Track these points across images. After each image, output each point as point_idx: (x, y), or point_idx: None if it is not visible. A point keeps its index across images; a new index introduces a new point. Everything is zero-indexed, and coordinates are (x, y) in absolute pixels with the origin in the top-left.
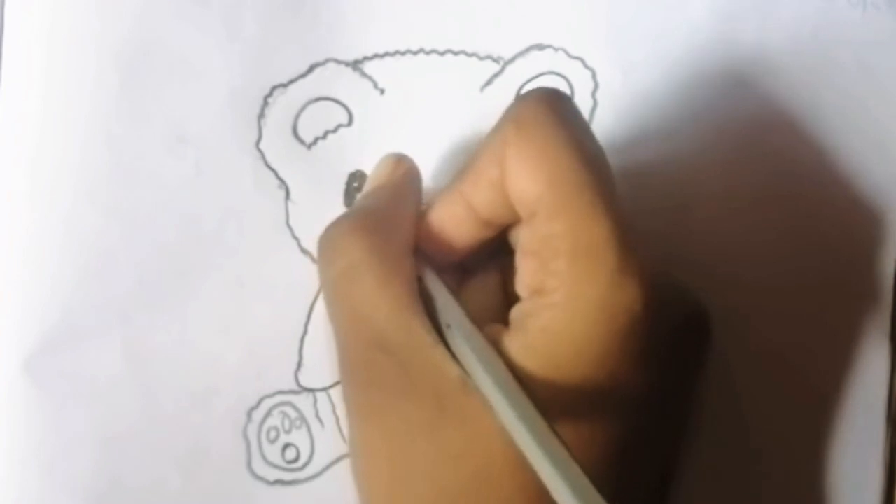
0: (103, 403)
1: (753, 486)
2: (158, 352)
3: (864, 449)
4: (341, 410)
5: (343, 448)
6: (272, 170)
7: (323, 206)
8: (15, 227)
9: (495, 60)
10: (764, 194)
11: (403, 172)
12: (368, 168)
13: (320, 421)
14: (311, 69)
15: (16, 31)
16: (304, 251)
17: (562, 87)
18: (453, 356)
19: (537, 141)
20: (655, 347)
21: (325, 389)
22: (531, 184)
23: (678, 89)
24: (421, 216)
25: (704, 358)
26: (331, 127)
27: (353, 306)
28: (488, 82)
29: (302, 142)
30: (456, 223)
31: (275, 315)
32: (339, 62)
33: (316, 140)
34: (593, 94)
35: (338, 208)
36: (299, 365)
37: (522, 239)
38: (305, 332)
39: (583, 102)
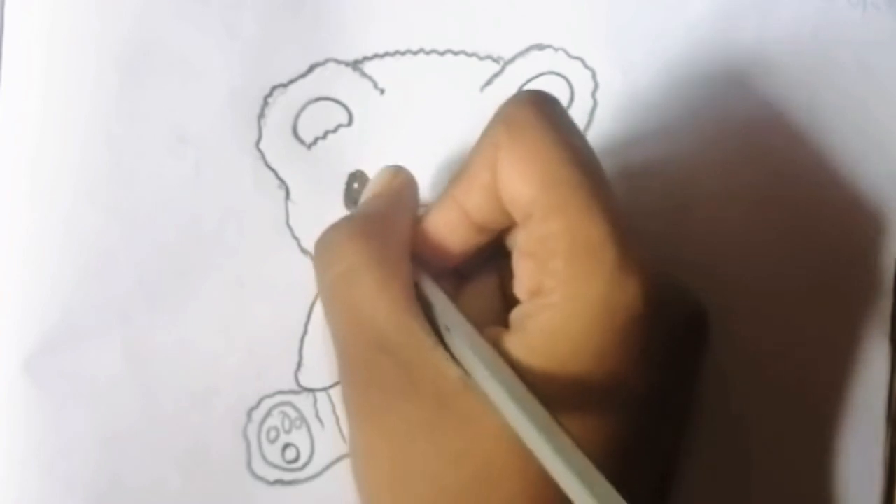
0: (103, 403)
1: (753, 487)
2: (158, 352)
3: (864, 449)
4: (341, 410)
5: (343, 448)
6: (272, 170)
7: (323, 206)
8: (15, 227)
9: (495, 60)
10: (763, 194)
11: (400, 181)
12: (368, 168)
13: (320, 421)
14: (311, 69)
15: (16, 31)
16: (304, 251)
17: (562, 87)
18: (453, 358)
19: (528, 143)
20: (655, 346)
21: (325, 389)
22: (524, 186)
23: (678, 89)
24: (416, 222)
25: (703, 357)
26: (331, 127)
27: (353, 308)
28: (488, 82)
29: (302, 142)
30: (450, 229)
31: (275, 315)
32: (339, 62)
33: (316, 140)
34: (593, 94)
35: (338, 208)
36: (299, 365)
37: (519, 241)
38: (305, 332)
39: (583, 102)
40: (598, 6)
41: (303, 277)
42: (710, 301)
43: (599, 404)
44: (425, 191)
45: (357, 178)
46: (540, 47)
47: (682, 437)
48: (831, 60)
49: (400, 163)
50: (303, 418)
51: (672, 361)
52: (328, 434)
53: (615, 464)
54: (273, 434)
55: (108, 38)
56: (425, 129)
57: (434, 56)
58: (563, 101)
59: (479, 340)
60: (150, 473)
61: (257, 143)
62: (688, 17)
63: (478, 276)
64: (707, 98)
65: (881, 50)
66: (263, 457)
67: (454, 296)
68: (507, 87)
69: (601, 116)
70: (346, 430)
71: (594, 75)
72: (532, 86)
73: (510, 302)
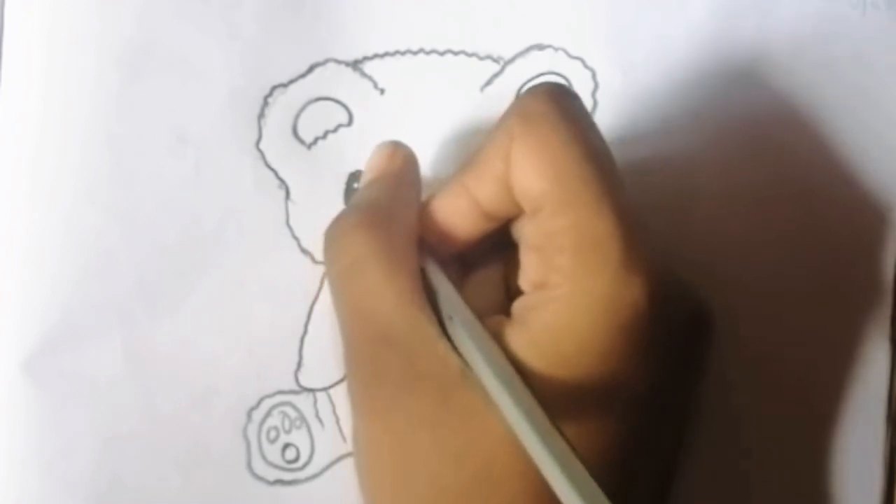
0: (103, 403)
1: (753, 487)
2: (158, 352)
3: (864, 449)
4: (341, 410)
5: (343, 448)
6: (272, 170)
7: (323, 206)
8: (15, 227)
9: (495, 60)
10: (763, 194)
11: (402, 161)
12: None
13: (320, 421)
14: (311, 69)
15: (16, 31)
16: (304, 251)
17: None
18: (455, 348)
19: (543, 136)
20: (657, 344)
21: (325, 389)
22: (536, 179)
23: (678, 89)
24: (423, 208)
25: (706, 357)
26: (331, 127)
27: (359, 300)
28: (488, 82)
29: (302, 142)
30: (459, 216)
31: (275, 315)
32: (339, 62)
33: (316, 140)
34: (593, 94)
35: (338, 208)
36: (299, 365)
37: (526, 233)
38: (305, 332)
39: None
40: (598, 6)
41: (303, 277)
42: (709, 300)
43: (600, 401)
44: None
45: (357, 178)
46: (540, 47)
47: (683, 437)
48: (831, 60)
49: None
50: (303, 418)
51: (674, 360)
52: (328, 434)
53: (616, 460)
54: (273, 434)
55: (108, 38)
56: (425, 129)
57: (434, 56)
58: None
59: (480, 332)
60: (151, 473)
61: (257, 142)
62: (688, 17)
63: (482, 264)
64: (707, 98)
65: (881, 50)
66: (263, 457)
67: (458, 283)
68: (507, 87)
69: (601, 116)
70: (346, 430)
71: (594, 75)
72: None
73: (513, 292)
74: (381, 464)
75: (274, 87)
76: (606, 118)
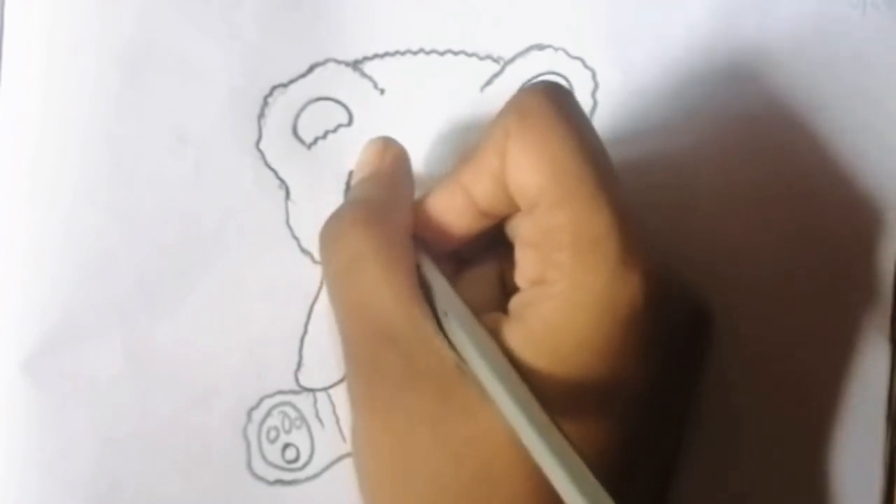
0: (103, 403)
1: (752, 486)
2: (158, 352)
3: (864, 449)
4: (341, 410)
5: (343, 448)
6: (272, 170)
7: (323, 206)
8: (15, 227)
9: (495, 60)
10: (763, 194)
11: (393, 158)
12: None
13: (320, 421)
14: (311, 69)
15: (16, 31)
16: (304, 251)
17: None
18: (451, 344)
19: (540, 133)
20: (656, 342)
21: (325, 389)
22: (533, 175)
23: (678, 89)
24: (419, 204)
25: (706, 356)
26: (331, 127)
27: (357, 298)
28: (488, 82)
29: (302, 142)
30: (455, 213)
31: (275, 315)
32: (339, 62)
33: (316, 140)
34: (593, 94)
35: None
36: (299, 365)
37: (523, 230)
38: (305, 332)
39: (583, 102)
40: (598, 6)
41: (303, 277)
42: (709, 299)
43: (598, 398)
44: (420, 188)
45: None
46: (540, 47)
47: (683, 436)
48: (831, 60)
49: None
50: (303, 418)
51: (674, 358)
52: (328, 434)
53: (612, 460)
54: (273, 434)
55: (108, 38)
56: (425, 129)
57: (434, 56)
58: None
59: (475, 327)
60: (150, 473)
61: (257, 142)
62: (688, 17)
63: (477, 261)
64: (707, 97)
65: (881, 50)
66: (263, 457)
67: (453, 281)
68: (507, 87)
69: (601, 116)
70: (346, 431)
71: (594, 75)
72: None
73: (509, 289)
74: (380, 462)
75: (274, 87)
76: (606, 118)
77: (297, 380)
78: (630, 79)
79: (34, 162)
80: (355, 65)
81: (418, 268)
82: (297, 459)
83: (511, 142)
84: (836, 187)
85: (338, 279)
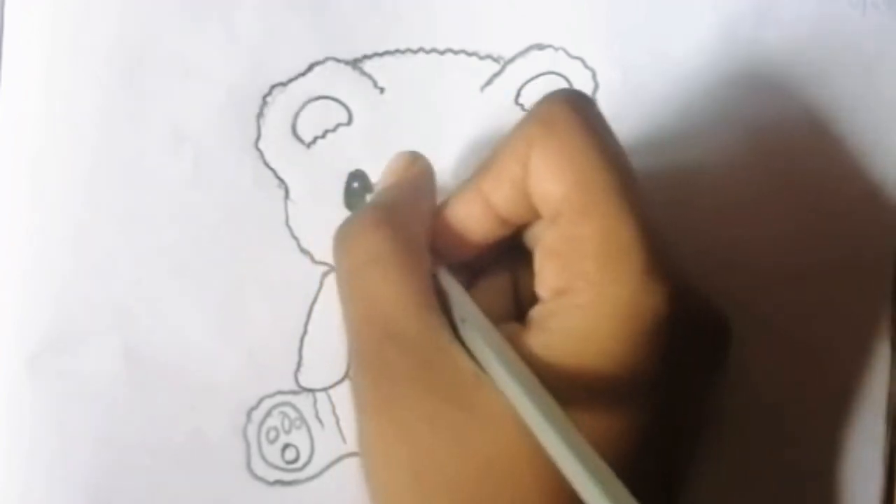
0: (103, 403)
1: (753, 486)
2: (158, 352)
3: (864, 449)
4: (341, 411)
5: (343, 448)
6: (271, 169)
7: (322, 206)
8: (15, 227)
9: (495, 60)
10: (764, 193)
11: (419, 170)
12: (368, 167)
13: (320, 421)
14: (310, 68)
15: (16, 31)
16: (304, 251)
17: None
18: (468, 352)
19: (564, 141)
20: (678, 352)
21: (324, 389)
22: (557, 184)
23: (678, 89)
24: (436, 212)
25: (723, 369)
26: (330, 126)
27: (371, 299)
28: (488, 82)
29: (301, 141)
30: (473, 221)
31: (275, 315)
32: (338, 61)
33: (315, 139)
34: (593, 94)
35: (337, 208)
36: (299, 365)
37: (546, 239)
38: (305, 332)
39: None
40: (598, 6)
41: (302, 277)
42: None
43: (619, 406)
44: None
45: (357, 177)
46: (540, 47)
47: (694, 448)
48: (831, 60)
49: None
50: (302, 418)
51: (691, 370)
52: (328, 434)
53: (625, 468)
54: (273, 434)
55: (108, 37)
56: (425, 128)
57: (434, 55)
58: None
59: (494, 334)
60: (150, 473)
61: (256, 142)
62: (688, 17)
63: (491, 271)
64: (707, 97)
65: (881, 50)
66: (263, 457)
67: (468, 290)
68: (507, 87)
69: None
70: (346, 431)
71: (594, 75)
72: (532, 86)
73: (523, 300)
74: (389, 464)
75: (273, 86)
76: (606, 118)
77: (296, 380)
78: (630, 79)
79: (34, 162)
80: (355, 64)
81: (435, 276)
82: (296, 460)
83: (535, 150)
84: (836, 187)
85: (351, 277)
